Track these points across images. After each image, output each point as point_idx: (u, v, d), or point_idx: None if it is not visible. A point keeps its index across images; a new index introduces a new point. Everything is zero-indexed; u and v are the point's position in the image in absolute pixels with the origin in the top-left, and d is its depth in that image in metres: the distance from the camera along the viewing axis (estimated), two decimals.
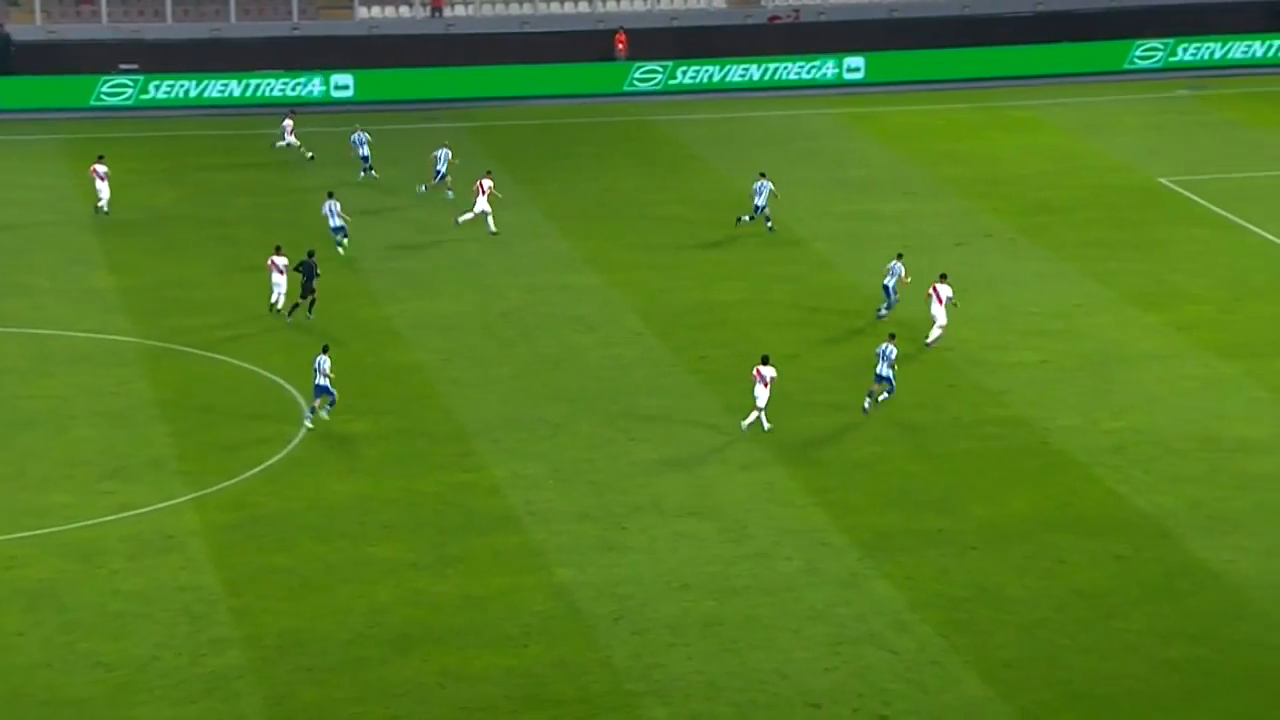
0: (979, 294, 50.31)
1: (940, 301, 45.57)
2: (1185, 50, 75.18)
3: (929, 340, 45.79)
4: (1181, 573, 35.29)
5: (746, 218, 54.88)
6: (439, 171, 58.26)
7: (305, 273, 48.06)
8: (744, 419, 41.29)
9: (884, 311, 47.66)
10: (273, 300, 48.62)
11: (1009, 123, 69.12)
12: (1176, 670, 31.92)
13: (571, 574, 35.36)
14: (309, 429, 41.44)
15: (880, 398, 42.11)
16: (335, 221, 52.83)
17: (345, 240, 53.06)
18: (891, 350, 41.82)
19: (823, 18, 77.44)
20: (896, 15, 77.68)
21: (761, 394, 41.06)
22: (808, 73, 74.19)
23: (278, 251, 48.94)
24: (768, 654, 32.49)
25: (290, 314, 48.18)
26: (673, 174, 62.85)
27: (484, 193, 54.70)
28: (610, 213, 57.04)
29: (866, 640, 32.90)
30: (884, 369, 41.76)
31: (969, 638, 32.95)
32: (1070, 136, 66.91)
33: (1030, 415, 42.41)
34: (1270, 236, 55.17)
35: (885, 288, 47.66)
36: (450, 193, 57.93)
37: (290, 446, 41.06)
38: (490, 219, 54.63)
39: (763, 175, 55.17)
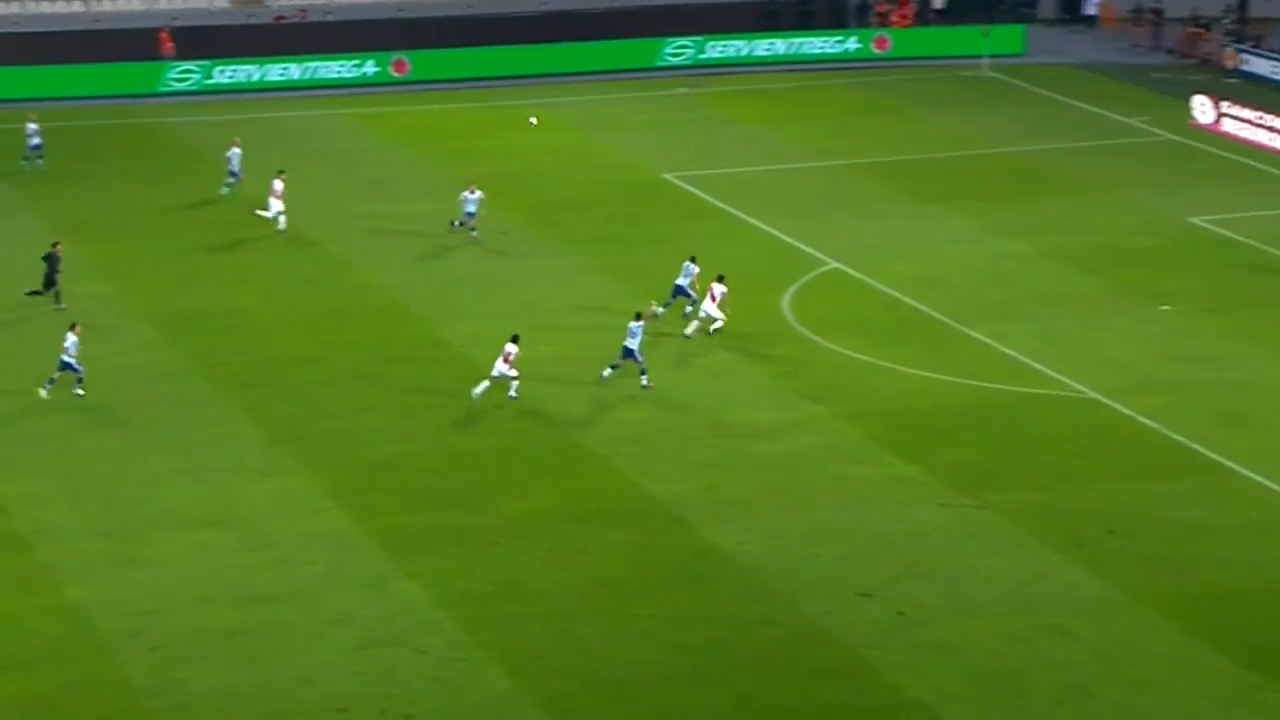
0: (498, 290, 50.97)
1: (714, 299, 47.07)
2: (682, 49, 77.62)
3: (687, 332, 47.09)
4: (696, 557, 36.52)
5: (457, 223, 54.61)
6: (234, 171, 57.52)
7: (49, 264, 47.70)
8: (475, 387, 42.05)
9: (689, 309, 48.22)
10: None
11: (519, 121, 70.15)
12: (693, 652, 33.01)
13: (84, 592, 34.18)
14: (44, 398, 42.16)
15: (613, 368, 43.56)
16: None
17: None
18: (637, 327, 43.25)
19: (330, 18, 76.95)
20: (404, 15, 77.80)
21: (500, 366, 41.94)
22: (319, 73, 73.57)
23: None
24: (293, 661, 32.15)
25: (38, 293, 48.05)
26: (186, 177, 61.33)
27: (276, 194, 54.16)
28: (120, 218, 55.26)
29: (393, 641, 32.90)
30: (631, 343, 43.19)
31: (494, 633, 33.34)
32: (578, 134, 68.32)
33: (550, 409, 43.16)
34: (766, 228, 57.60)
35: (678, 287, 48.19)
36: (226, 188, 57.62)
37: None
38: (283, 217, 54.22)
39: (474, 187, 54.65)
